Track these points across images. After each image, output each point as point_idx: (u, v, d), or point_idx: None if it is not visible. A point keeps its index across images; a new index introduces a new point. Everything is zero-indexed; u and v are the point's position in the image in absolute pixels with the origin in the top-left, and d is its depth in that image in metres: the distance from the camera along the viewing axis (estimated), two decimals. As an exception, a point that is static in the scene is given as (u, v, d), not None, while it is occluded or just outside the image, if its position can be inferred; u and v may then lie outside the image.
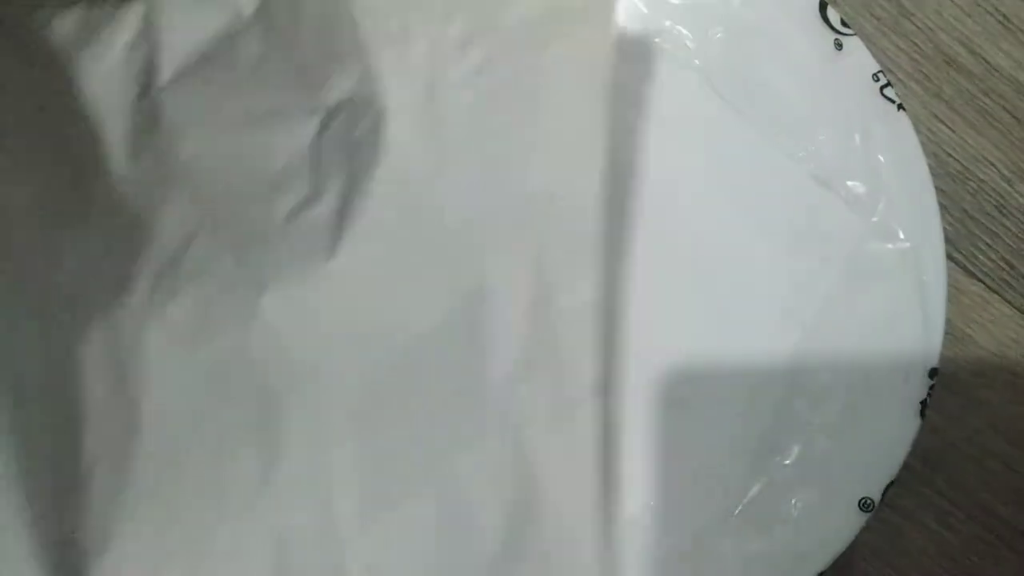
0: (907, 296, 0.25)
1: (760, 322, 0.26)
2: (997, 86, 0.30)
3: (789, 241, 0.27)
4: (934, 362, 0.25)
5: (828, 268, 0.26)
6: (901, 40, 0.31)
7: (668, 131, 0.28)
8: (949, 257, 0.28)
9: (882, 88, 0.27)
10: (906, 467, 0.27)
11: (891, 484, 0.24)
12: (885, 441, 0.24)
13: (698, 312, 0.27)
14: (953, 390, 0.28)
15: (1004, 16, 0.31)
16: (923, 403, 0.25)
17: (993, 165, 0.30)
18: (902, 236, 0.26)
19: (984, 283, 0.29)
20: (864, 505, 0.24)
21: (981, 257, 0.29)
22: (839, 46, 0.27)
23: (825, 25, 0.27)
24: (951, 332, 0.28)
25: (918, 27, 0.31)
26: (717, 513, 0.25)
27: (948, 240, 0.27)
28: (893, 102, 0.27)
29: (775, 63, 0.28)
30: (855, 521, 0.24)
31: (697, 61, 0.28)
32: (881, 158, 0.26)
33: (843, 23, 0.27)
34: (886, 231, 0.26)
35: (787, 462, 0.25)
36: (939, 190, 0.28)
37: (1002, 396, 0.28)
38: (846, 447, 0.25)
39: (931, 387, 0.25)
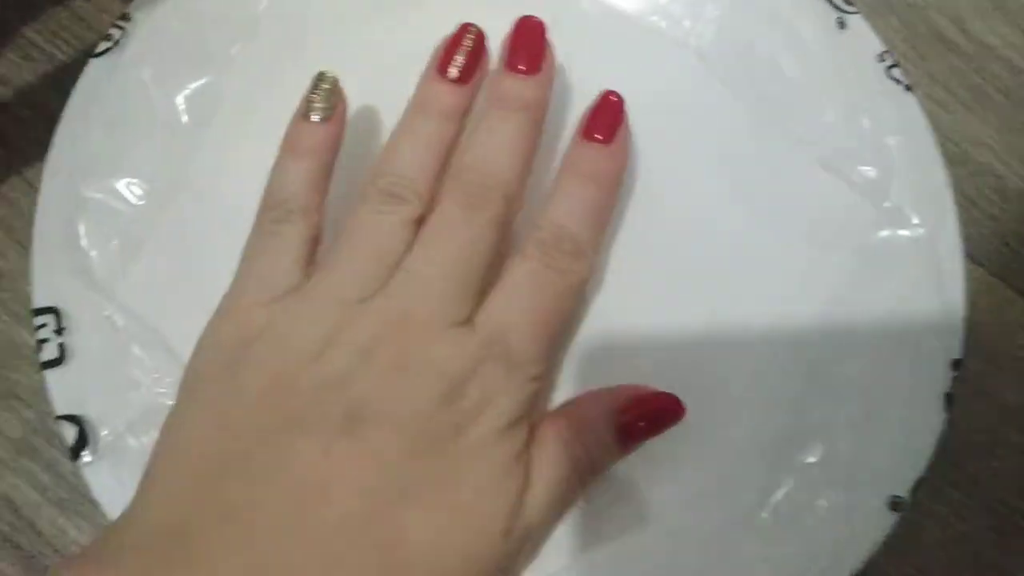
0: (924, 284, 0.24)
1: (773, 316, 0.25)
2: (990, 65, 0.30)
3: (798, 230, 0.25)
4: (956, 352, 0.24)
5: (840, 258, 0.25)
6: (893, 18, 0.30)
7: (665, 114, 0.26)
8: None
9: (888, 68, 0.26)
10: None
11: (921, 481, 0.23)
12: (911, 436, 0.23)
13: (706, 307, 0.25)
14: (962, 378, 0.27)
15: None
16: (948, 395, 0.24)
17: (990, 146, 0.29)
18: (916, 221, 0.25)
19: (987, 268, 0.28)
20: (895, 504, 0.23)
21: (983, 242, 0.28)
22: (842, 24, 0.26)
23: (826, 2, 0.26)
24: None
25: (910, 4, 0.30)
26: (743, 516, 0.23)
27: (953, 224, 0.27)
28: (900, 83, 0.26)
29: (775, 42, 0.27)
30: (886, 521, 0.23)
31: (693, 40, 0.27)
32: (890, 141, 0.25)
33: (846, 1, 0.26)
34: (899, 217, 0.25)
35: (811, 460, 0.24)
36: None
37: (1012, 383, 0.27)
38: (871, 444, 0.23)
39: (954, 378, 0.24)
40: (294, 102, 0.23)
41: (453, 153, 0.23)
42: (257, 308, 0.21)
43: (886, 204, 0.25)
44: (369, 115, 0.26)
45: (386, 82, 0.24)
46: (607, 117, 0.23)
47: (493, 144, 0.23)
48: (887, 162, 0.25)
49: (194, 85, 0.26)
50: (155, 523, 0.19)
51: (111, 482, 0.23)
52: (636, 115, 0.25)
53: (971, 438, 0.27)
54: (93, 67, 0.26)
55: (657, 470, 0.24)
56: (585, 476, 0.22)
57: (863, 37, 0.26)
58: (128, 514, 0.19)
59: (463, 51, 0.23)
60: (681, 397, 0.22)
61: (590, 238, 0.23)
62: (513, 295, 0.22)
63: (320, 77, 0.23)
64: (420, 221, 0.22)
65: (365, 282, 0.21)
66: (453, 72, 0.23)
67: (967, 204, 0.29)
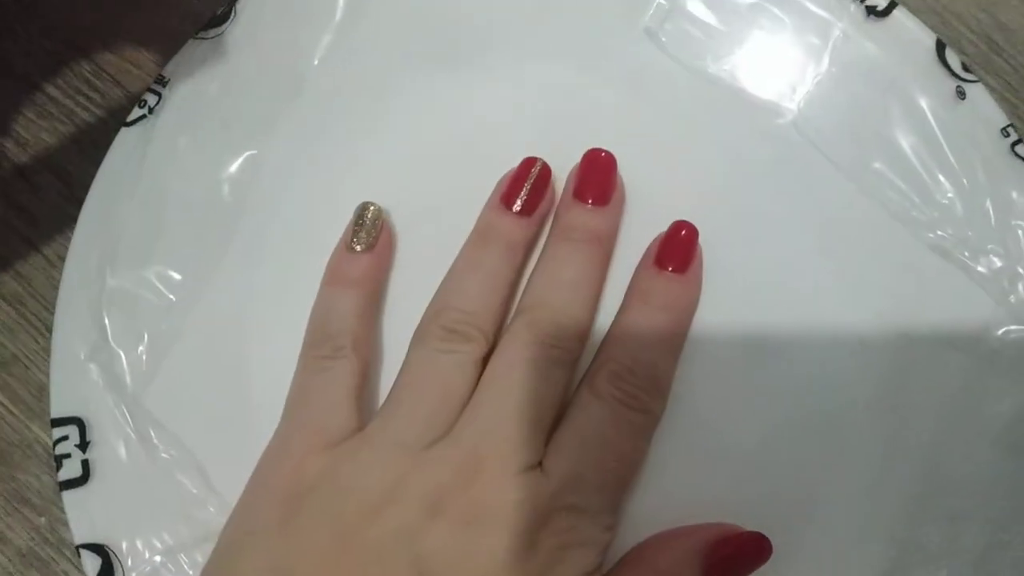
0: None
1: (879, 423, 0.22)
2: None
3: (911, 326, 0.23)
4: None
5: (955, 358, 0.22)
6: (994, 80, 0.27)
7: (759, 191, 0.24)
8: None
9: (1013, 145, 0.23)
10: None
11: None
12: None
13: (800, 412, 0.23)
14: None
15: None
16: None
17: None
18: None
19: None
20: None
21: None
22: (961, 94, 0.23)
23: (944, 69, 0.24)
24: None
25: (1011, 65, 0.27)
26: None
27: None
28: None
29: (885, 112, 0.24)
30: None
31: (791, 106, 0.24)
32: (1019, 227, 0.23)
33: (964, 68, 0.24)
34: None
35: None
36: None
37: None
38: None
39: None
40: (337, 177, 0.22)
41: (517, 287, 0.22)
42: (312, 456, 0.19)
43: (1011, 299, 0.23)
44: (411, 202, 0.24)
45: (431, 161, 0.23)
46: (680, 249, 0.22)
47: (563, 279, 0.22)
48: (1014, 251, 0.23)
49: (237, 161, 0.23)
50: None
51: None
52: (725, 191, 0.23)
53: None
54: (124, 137, 0.23)
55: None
56: None
57: (985, 108, 0.23)
58: None
59: (529, 182, 0.22)
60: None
61: (665, 372, 0.22)
62: (586, 436, 0.20)
63: (363, 207, 0.22)
64: (485, 360, 0.21)
65: (430, 427, 0.20)
66: (518, 204, 0.22)
67: None
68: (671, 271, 0.22)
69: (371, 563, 0.18)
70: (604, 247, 0.22)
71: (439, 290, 0.22)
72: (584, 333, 0.22)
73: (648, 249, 0.23)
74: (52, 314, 0.23)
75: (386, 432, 0.20)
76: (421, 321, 0.21)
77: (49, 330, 0.23)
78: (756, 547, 0.20)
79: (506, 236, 0.22)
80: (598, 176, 0.22)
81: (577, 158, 0.23)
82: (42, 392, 0.24)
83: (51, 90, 0.26)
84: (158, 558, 0.20)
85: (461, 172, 0.23)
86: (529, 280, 0.22)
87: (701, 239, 0.22)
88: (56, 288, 0.23)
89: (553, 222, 0.23)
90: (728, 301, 0.23)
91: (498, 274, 0.22)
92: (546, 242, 0.23)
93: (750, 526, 0.21)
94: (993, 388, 0.22)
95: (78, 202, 0.23)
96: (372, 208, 0.22)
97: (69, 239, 0.23)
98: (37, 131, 0.26)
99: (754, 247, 0.23)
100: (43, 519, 0.23)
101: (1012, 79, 0.28)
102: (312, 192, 0.23)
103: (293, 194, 0.24)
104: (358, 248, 0.22)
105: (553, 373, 0.21)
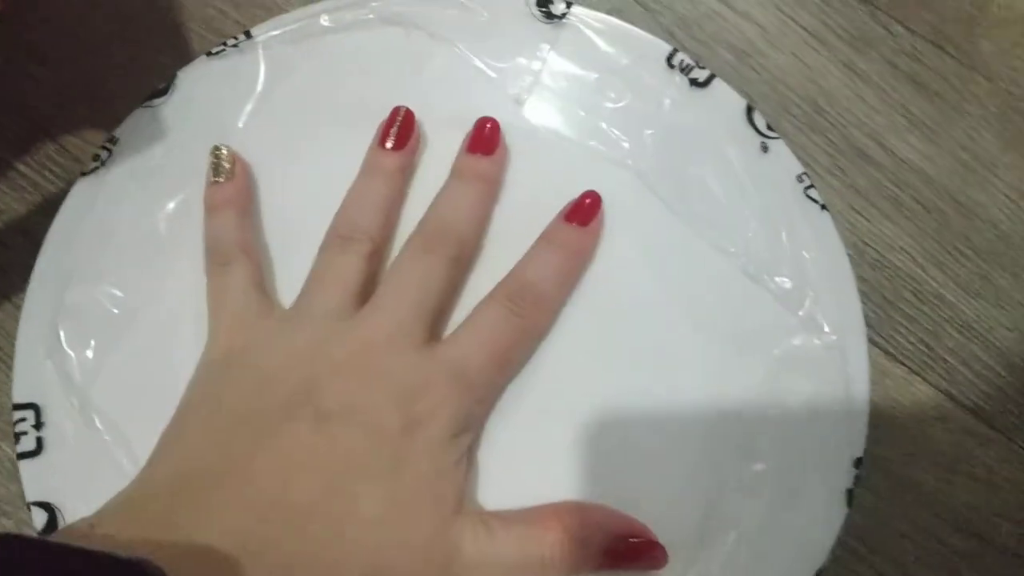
0: (833, 389, 0.27)
1: (692, 413, 0.27)
2: (907, 177, 0.33)
3: (721, 333, 0.28)
4: (859, 452, 0.26)
5: (757, 361, 0.27)
6: (819, 137, 0.33)
7: (606, 224, 0.29)
8: (872, 342, 0.30)
9: (806, 189, 0.28)
10: (845, 547, 0.28)
11: (821, 571, 0.25)
12: (814, 530, 0.25)
13: (633, 392, 0.27)
14: (883, 470, 0.29)
15: (908, 111, 0.33)
16: (849, 491, 0.26)
17: (907, 252, 0.32)
18: (827, 330, 0.27)
19: (906, 366, 0.30)
20: None
21: (901, 341, 0.31)
22: (765, 148, 0.29)
23: (751, 128, 0.29)
24: (877, 414, 0.29)
25: (831, 124, 0.33)
26: None
27: (870, 326, 0.29)
28: (816, 202, 0.28)
29: (705, 163, 0.29)
30: None
31: (631, 161, 0.29)
32: (806, 255, 0.28)
33: (768, 127, 0.29)
34: (812, 325, 0.27)
35: (723, 550, 0.26)
36: (860, 278, 0.29)
37: (929, 473, 0.30)
38: (777, 538, 0.25)
39: (856, 476, 0.26)
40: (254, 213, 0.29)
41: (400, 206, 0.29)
42: (236, 334, 0.26)
43: (800, 313, 0.28)
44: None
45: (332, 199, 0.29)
46: (584, 210, 0.28)
47: (449, 202, 0.28)
48: (803, 274, 0.28)
49: (172, 203, 0.28)
50: (159, 479, 0.23)
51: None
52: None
53: (894, 526, 0.29)
54: (80, 184, 0.28)
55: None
56: (549, 565, 0.24)
57: (784, 160, 0.29)
58: (132, 482, 0.23)
59: (396, 124, 0.28)
60: (599, 481, 0.26)
61: (554, 295, 0.27)
62: (475, 329, 0.26)
63: (216, 149, 0.28)
64: (373, 256, 0.27)
65: (333, 308, 0.25)
66: (391, 141, 0.28)
67: (886, 306, 0.31)
68: (575, 224, 0.28)
69: (280, 408, 0.23)
70: (489, 185, 0.28)
71: (337, 213, 0.28)
72: (468, 241, 0.28)
73: (563, 208, 0.28)
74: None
75: (299, 311, 0.26)
76: (324, 236, 0.27)
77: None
78: (655, 554, 0.25)
79: (385, 166, 0.28)
80: (484, 135, 0.28)
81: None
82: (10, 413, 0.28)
83: (21, 167, 0.31)
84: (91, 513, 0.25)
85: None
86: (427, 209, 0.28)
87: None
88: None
89: (450, 171, 0.29)
90: (576, 306, 0.28)
91: (381, 195, 0.28)
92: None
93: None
94: (785, 384, 0.27)
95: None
96: (224, 149, 0.28)
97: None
98: (8, 200, 0.31)
99: (601, 264, 0.28)
100: (11, 521, 0.28)
101: (832, 135, 0.33)
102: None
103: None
104: (221, 179, 0.28)
105: (438, 269, 0.26)
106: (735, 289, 0.28)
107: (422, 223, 0.28)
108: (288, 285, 0.28)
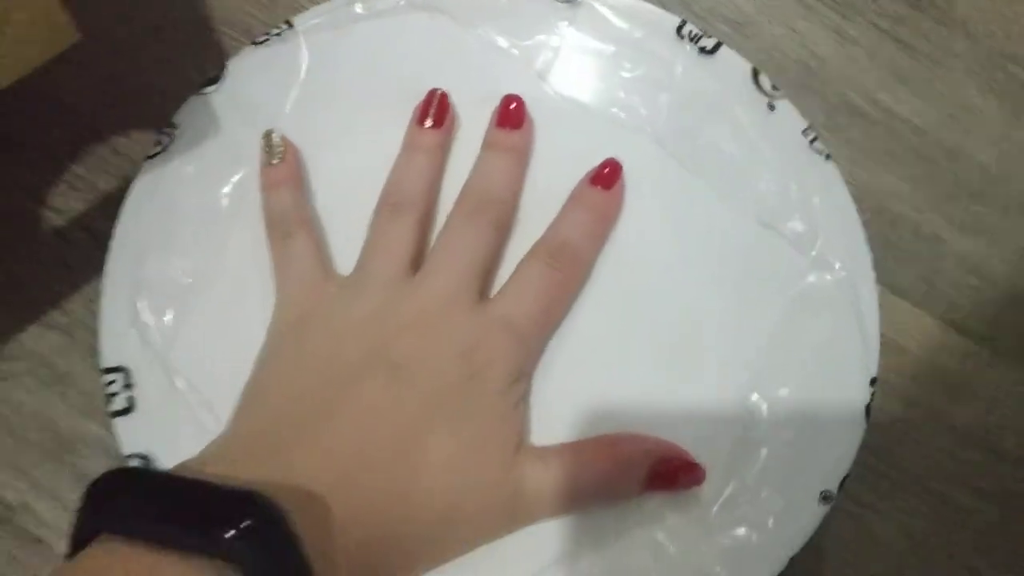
0: (846, 317, 0.29)
1: (719, 349, 0.30)
2: (899, 129, 0.35)
3: (741, 278, 0.30)
4: (874, 372, 0.29)
5: (776, 299, 0.30)
6: (813, 98, 0.35)
7: (628, 187, 0.31)
8: (878, 281, 0.32)
9: (811, 142, 0.31)
10: (863, 464, 0.30)
11: (846, 477, 0.28)
12: (838, 442, 0.28)
13: (666, 341, 0.30)
14: (895, 394, 0.32)
15: (896, 69, 0.36)
16: (867, 407, 0.29)
17: (904, 198, 0.34)
18: (838, 267, 0.30)
19: (910, 300, 0.33)
20: (825, 497, 0.27)
21: (904, 278, 0.34)
22: (772, 107, 0.32)
23: (758, 90, 0.32)
24: (887, 345, 0.32)
25: (825, 85, 0.36)
26: (697, 514, 0.28)
27: (876, 266, 0.32)
28: (821, 153, 0.31)
29: (717, 124, 0.32)
30: (818, 511, 0.27)
31: (648, 127, 0.32)
32: (815, 201, 0.31)
33: (773, 87, 0.32)
34: (824, 264, 0.30)
35: (756, 466, 0.28)
36: (864, 224, 0.32)
37: (937, 394, 0.32)
38: (804, 451, 0.28)
39: (872, 393, 0.29)
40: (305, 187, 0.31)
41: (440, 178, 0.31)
42: (306, 298, 0.28)
43: (812, 253, 0.30)
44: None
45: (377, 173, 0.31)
46: (609, 173, 0.30)
47: (485, 173, 0.30)
48: (812, 219, 0.30)
49: (230, 181, 0.31)
50: (246, 433, 0.25)
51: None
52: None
53: (907, 445, 0.32)
54: (146, 167, 0.31)
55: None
56: (600, 490, 0.27)
57: (789, 117, 0.31)
58: (224, 432, 0.25)
59: (434, 105, 0.31)
60: (639, 415, 0.29)
61: (587, 251, 0.30)
62: (521, 285, 0.29)
63: (268, 135, 0.31)
64: (421, 222, 0.29)
65: (392, 272, 0.28)
66: (429, 121, 0.31)
67: (888, 248, 0.34)
68: (599, 188, 0.30)
69: (356, 363, 0.26)
70: (519, 154, 0.31)
71: (385, 185, 0.30)
72: (505, 204, 0.30)
73: (586, 174, 0.31)
74: (94, 338, 0.29)
75: (361, 277, 0.28)
76: (376, 206, 0.30)
77: (92, 352, 0.30)
78: (695, 474, 0.28)
79: (425, 144, 0.31)
80: (511, 111, 0.31)
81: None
82: (90, 397, 0.30)
83: (79, 169, 0.33)
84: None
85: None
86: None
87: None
88: (95, 316, 0.30)
89: (482, 145, 0.31)
90: (605, 263, 0.31)
91: (424, 169, 0.30)
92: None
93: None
94: (802, 318, 0.30)
95: (103, 250, 0.30)
96: (275, 134, 0.30)
97: (99, 279, 0.30)
98: (69, 201, 0.33)
99: (625, 223, 0.31)
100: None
101: (827, 96, 0.36)
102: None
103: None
104: (275, 161, 0.30)
105: (483, 234, 0.29)
106: (750, 237, 0.31)
107: (463, 193, 0.30)
108: (337, 254, 0.30)
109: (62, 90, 0.33)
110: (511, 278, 0.29)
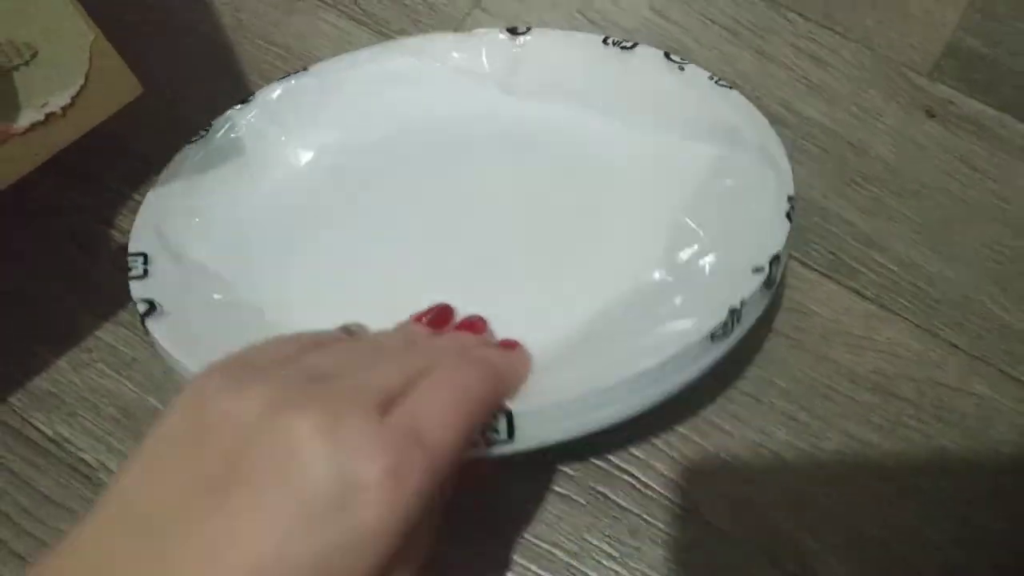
0: (764, 164, 0.34)
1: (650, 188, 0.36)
2: (811, 131, 0.41)
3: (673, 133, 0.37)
4: (791, 191, 0.32)
5: (701, 162, 0.36)
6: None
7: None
8: (790, 256, 0.37)
9: (716, 82, 0.36)
10: (774, 407, 0.33)
11: (775, 257, 0.30)
12: (768, 231, 0.31)
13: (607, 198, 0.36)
14: (806, 350, 0.35)
15: (808, 81, 0.42)
16: (788, 214, 0.31)
17: (816, 188, 0.40)
18: (754, 141, 0.34)
19: (818, 271, 0.37)
20: (757, 269, 0.30)
21: (814, 253, 0.37)
22: (682, 68, 0.37)
23: (670, 61, 0.37)
24: (799, 309, 0.36)
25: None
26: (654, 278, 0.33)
27: (789, 244, 0.37)
28: (727, 86, 0.36)
29: (644, 85, 0.38)
30: (753, 281, 0.29)
31: (600, 101, 0.38)
32: (730, 116, 0.36)
33: (681, 58, 0.37)
34: (739, 139, 0.35)
35: (694, 250, 0.33)
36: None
37: (842, 350, 0.35)
38: (742, 231, 0.32)
39: (791, 204, 0.31)
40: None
41: None
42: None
43: (729, 145, 0.35)
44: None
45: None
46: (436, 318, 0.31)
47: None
48: (728, 127, 0.35)
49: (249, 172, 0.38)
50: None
51: (168, 333, 0.30)
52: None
53: (817, 390, 0.34)
54: (185, 148, 0.37)
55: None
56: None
57: (697, 71, 0.37)
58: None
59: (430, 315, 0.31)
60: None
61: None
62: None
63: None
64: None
65: None
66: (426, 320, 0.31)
67: (801, 229, 0.37)
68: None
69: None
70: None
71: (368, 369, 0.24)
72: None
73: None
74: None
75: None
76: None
77: (151, 344, 0.31)
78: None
79: (419, 338, 0.29)
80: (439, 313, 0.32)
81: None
82: (151, 377, 0.35)
83: (137, 196, 0.39)
84: (180, 308, 0.31)
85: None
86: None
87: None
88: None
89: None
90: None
91: (409, 364, 0.24)
92: None
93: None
94: (723, 169, 0.35)
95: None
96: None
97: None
98: (129, 222, 0.36)
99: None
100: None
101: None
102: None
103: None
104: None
105: None
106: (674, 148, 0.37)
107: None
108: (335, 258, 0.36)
109: (124, 132, 0.39)
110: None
